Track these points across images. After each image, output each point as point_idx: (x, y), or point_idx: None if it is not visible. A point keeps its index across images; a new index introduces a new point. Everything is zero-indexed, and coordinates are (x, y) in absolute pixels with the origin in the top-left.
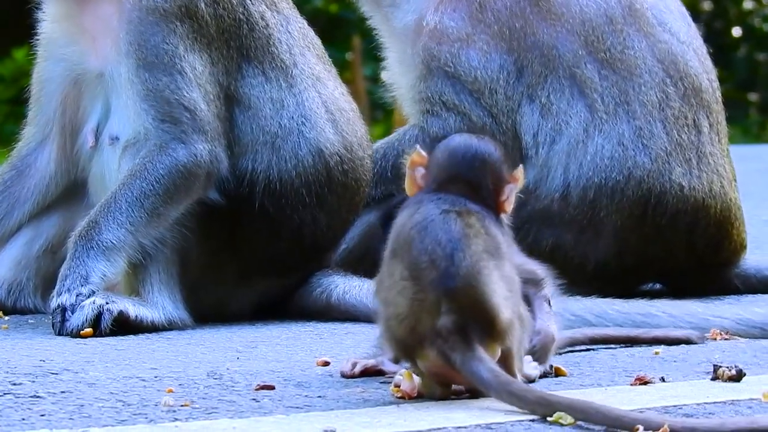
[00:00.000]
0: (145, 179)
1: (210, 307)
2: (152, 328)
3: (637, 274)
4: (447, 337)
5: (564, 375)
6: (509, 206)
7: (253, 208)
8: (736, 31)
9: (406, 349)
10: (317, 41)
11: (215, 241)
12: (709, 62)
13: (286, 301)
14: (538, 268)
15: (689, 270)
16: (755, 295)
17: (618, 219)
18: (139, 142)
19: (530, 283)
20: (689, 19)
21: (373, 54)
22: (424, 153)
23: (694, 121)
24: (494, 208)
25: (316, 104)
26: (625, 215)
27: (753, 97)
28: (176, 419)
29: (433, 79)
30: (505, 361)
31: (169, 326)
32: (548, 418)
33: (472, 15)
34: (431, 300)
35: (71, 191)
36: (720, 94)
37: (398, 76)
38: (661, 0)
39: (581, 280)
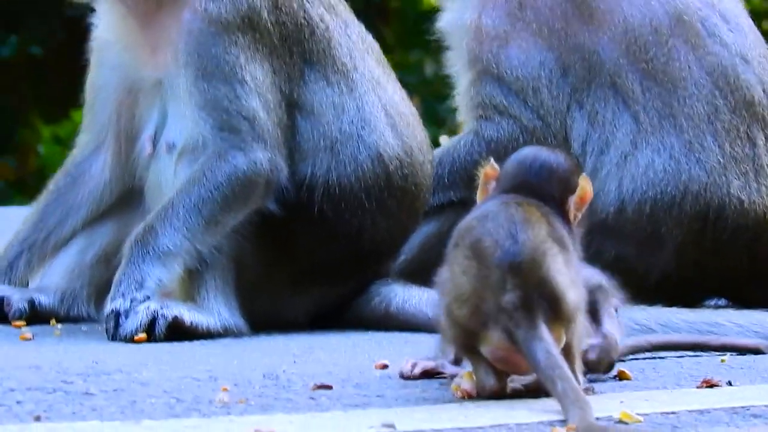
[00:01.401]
0: (203, 186)
1: (265, 314)
2: (207, 335)
3: (700, 287)
4: (511, 313)
5: (628, 379)
6: (574, 217)
7: (311, 214)
8: None
9: (469, 334)
10: (376, 45)
11: (272, 249)
12: (766, 76)
13: (343, 309)
14: (604, 279)
15: (752, 284)
16: None
17: (678, 234)
18: (197, 149)
19: (597, 292)
20: (748, 27)
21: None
22: (496, 166)
23: (747, 134)
24: (562, 217)
25: (376, 108)
26: (685, 230)
27: None
28: (230, 413)
29: (482, 83)
30: (567, 356)
31: (224, 333)
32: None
33: (510, 13)
34: (496, 277)
35: (126, 199)
36: None
37: (457, 77)
38: (714, 10)
39: (644, 292)
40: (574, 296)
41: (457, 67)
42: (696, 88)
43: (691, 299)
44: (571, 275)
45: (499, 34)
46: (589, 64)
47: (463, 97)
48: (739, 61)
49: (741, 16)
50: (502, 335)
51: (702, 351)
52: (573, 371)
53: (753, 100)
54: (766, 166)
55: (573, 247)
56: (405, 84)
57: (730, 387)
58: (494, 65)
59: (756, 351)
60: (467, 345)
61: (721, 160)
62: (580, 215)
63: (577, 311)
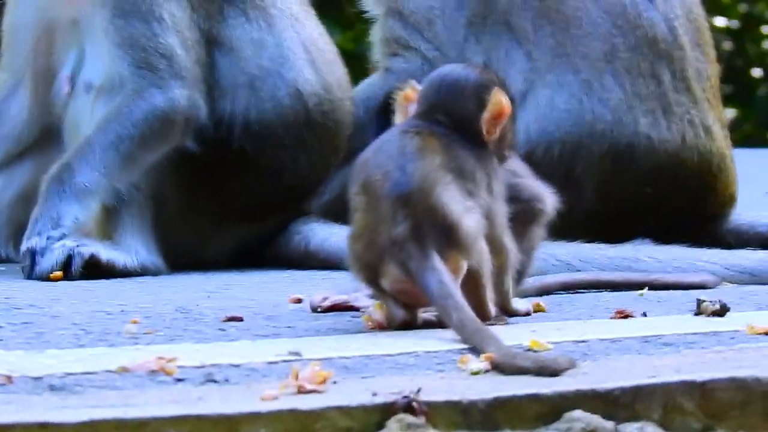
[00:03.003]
0: (121, 123)
1: (187, 252)
2: (125, 273)
3: (625, 227)
4: (403, 244)
5: (543, 311)
6: (490, 135)
7: (231, 152)
8: (756, 72)
9: (370, 269)
10: None
11: (191, 186)
12: (675, 10)
13: (264, 248)
14: (545, 193)
15: (677, 224)
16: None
17: (593, 173)
18: (115, 88)
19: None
20: None
21: None
22: (417, 86)
23: (651, 72)
24: (478, 138)
25: (295, 44)
26: (599, 170)
27: None
28: (137, 343)
29: (387, 20)
30: (475, 287)
31: (142, 271)
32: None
33: None
34: (385, 209)
35: (45, 139)
36: (685, 40)
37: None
38: None
39: (571, 230)
40: (470, 223)
41: (370, 8)
42: (592, 27)
43: (620, 237)
44: (468, 203)
45: None
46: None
47: (374, 37)
48: (641, 0)
49: None
50: (397, 268)
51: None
52: (481, 300)
53: (656, 37)
54: (674, 103)
55: (485, 171)
56: None
57: (644, 318)
58: (396, 1)
59: (703, 286)
60: (370, 280)
61: (624, 99)
62: (497, 132)
63: (476, 238)
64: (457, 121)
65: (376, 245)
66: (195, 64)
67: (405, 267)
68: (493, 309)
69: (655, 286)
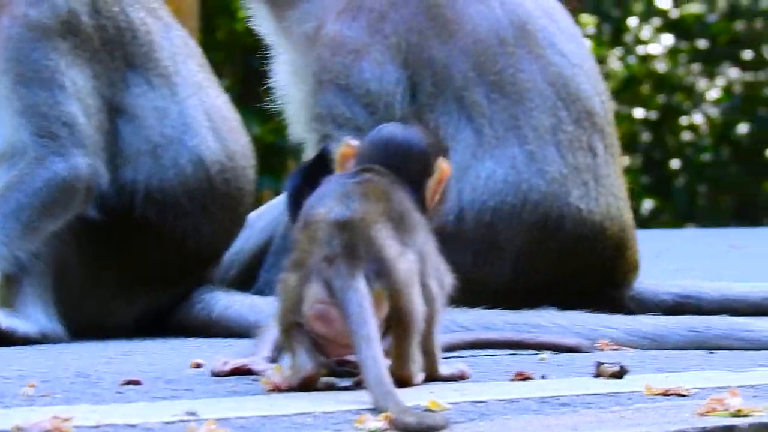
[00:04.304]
0: (22, 192)
1: (89, 319)
2: (24, 341)
3: (537, 297)
4: (333, 260)
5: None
6: (431, 201)
7: (133, 219)
8: (675, 163)
9: (294, 300)
10: (198, 50)
11: (93, 254)
12: (601, 84)
13: (167, 315)
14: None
15: (583, 292)
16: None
17: (517, 243)
18: (16, 156)
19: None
20: (581, 39)
21: None
22: (354, 143)
23: (589, 144)
24: (419, 200)
25: (198, 112)
26: (524, 239)
27: (691, 227)
28: (33, 405)
29: (323, 93)
30: (399, 329)
31: (42, 339)
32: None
33: (371, 24)
34: (323, 233)
35: None
36: (612, 116)
37: (291, 88)
38: (552, 20)
39: (482, 300)
40: (403, 266)
41: (295, 77)
42: (541, 100)
43: (529, 306)
44: (410, 255)
45: (357, 47)
46: (440, 78)
47: (300, 109)
48: (578, 72)
49: (573, 27)
50: (321, 287)
51: (520, 349)
52: (404, 353)
53: (593, 110)
54: (605, 176)
55: (422, 231)
56: None
57: (543, 379)
58: (343, 76)
59: (576, 350)
60: (291, 319)
61: (563, 171)
62: (438, 197)
63: (408, 284)
64: (400, 179)
65: (307, 268)
66: (97, 131)
67: (329, 285)
68: (420, 375)
69: (530, 346)
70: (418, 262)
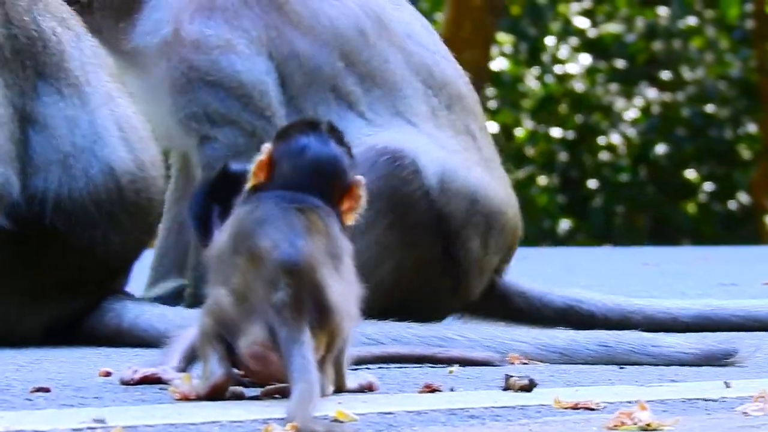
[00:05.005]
0: None
1: None
2: None
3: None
4: (280, 310)
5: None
6: (348, 218)
7: (43, 229)
8: (592, 183)
9: (229, 324)
10: (110, 60)
11: (3, 263)
12: (460, 68)
13: (77, 325)
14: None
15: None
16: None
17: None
18: None
19: None
20: (430, 27)
21: None
22: (268, 145)
23: (466, 128)
24: (337, 213)
25: (108, 122)
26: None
27: (607, 247)
28: None
29: (194, 92)
30: (337, 364)
31: None
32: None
33: (228, 21)
34: (269, 274)
35: None
36: (478, 97)
37: (151, 105)
38: (403, 12)
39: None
40: (343, 309)
41: (153, 92)
42: (411, 89)
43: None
44: (343, 288)
45: (221, 42)
46: (308, 69)
47: (169, 118)
48: (439, 58)
49: (420, 17)
50: (263, 331)
51: (430, 364)
52: (342, 378)
53: (461, 93)
54: (490, 159)
55: (347, 254)
56: None
57: (452, 392)
58: (213, 72)
59: (487, 363)
60: (219, 334)
61: (464, 154)
62: (355, 215)
63: (343, 325)
64: (321, 194)
65: (249, 304)
66: (7, 141)
67: (273, 332)
68: (329, 387)
69: (440, 361)
70: (346, 287)
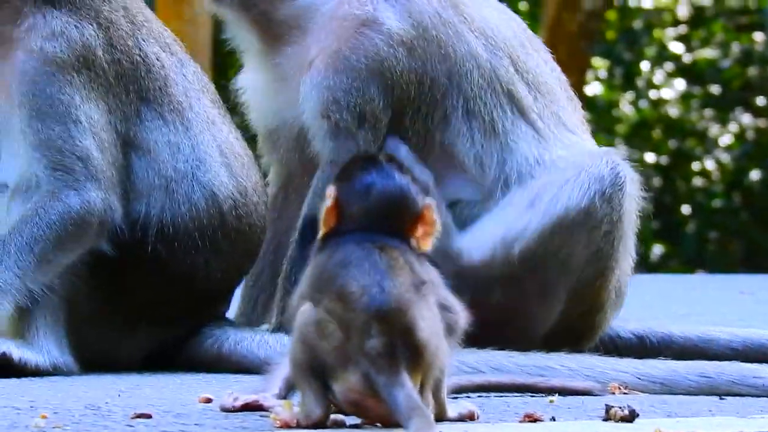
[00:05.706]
0: (36, 225)
1: (100, 353)
2: (36, 372)
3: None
4: (375, 359)
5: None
6: (425, 244)
7: (145, 254)
8: (685, 209)
9: (324, 367)
10: (211, 85)
11: (105, 288)
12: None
13: (177, 350)
14: (457, 305)
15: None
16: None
17: None
18: (30, 189)
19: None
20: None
21: None
22: (331, 189)
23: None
24: (411, 244)
25: (210, 148)
26: None
27: (700, 273)
28: None
29: (346, 76)
30: (436, 394)
31: (54, 371)
32: None
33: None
34: (361, 321)
35: None
36: None
37: (292, 78)
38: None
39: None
40: (433, 344)
41: (301, 56)
42: (564, 101)
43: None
44: (432, 322)
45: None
46: (485, 71)
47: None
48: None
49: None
50: (360, 379)
51: (530, 393)
52: (443, 405)
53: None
54: None
55: (429, 279)
56: None
57: (552, 422)
58: (372, 59)
59: (587, 393)
60: (315, 374)
61: None
62: (431, 239)
63: (435, 359)
64: (393, 229)
65: (344, 350)
66: (111, 166)
67: (370, 380)
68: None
69: (540, 390)
70: (434, 318)
